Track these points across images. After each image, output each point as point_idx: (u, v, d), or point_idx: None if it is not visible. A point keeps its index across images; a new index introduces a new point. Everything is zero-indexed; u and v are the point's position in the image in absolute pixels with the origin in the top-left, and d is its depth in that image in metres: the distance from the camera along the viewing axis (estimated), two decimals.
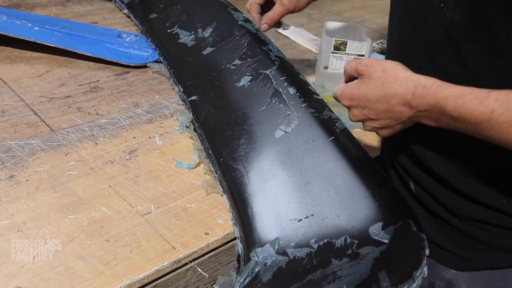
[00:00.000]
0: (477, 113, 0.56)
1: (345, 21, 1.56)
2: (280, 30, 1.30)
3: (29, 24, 1.14)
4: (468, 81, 0.60)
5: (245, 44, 0.99)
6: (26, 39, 1.09)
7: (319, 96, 0.86)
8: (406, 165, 0.78)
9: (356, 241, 0.64)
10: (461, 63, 0.64)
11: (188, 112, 0.94)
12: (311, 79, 1.16)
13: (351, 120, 0.72)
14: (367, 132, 0.75)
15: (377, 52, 1.32)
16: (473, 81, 0.60)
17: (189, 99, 0.94)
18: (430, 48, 0.68)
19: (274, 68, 0.90)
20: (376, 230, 0.65)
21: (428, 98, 0.60)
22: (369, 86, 0.66)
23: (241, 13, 1.12)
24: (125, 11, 1.38)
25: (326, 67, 1.11)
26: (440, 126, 0.62)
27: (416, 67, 0.66)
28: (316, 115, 0.80)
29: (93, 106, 0.97)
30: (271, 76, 0.89)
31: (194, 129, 0.90)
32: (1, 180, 0.76)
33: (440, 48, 0.66)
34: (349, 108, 0.71)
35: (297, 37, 1.38)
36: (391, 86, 0.64)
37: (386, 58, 0.80)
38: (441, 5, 0.64)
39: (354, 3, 1.76)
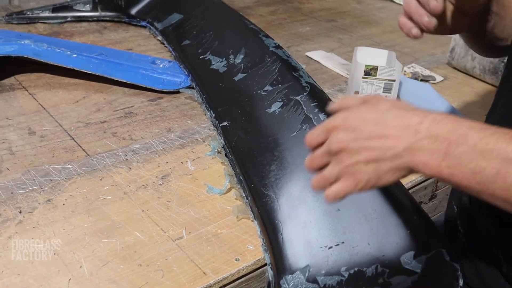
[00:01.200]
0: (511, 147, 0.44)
1: (376, 45, 1.56)
2: None
3: (68, 52, 1.18)
4: None
5: (276, 70, 1.01)
6: (65, 66, 1.13)
7: None
8: (495, 234, 0.67)
9: (387, 270, 0.64)
10: None
11: (220, 137, 0.95)
12: None
13: (330, 146, 0.54)
14: None
15: (409, 77, 1.32)
16: None
17: (220, 125, 0.95)
18: None
19: (304, 94, 0.91)
20: (407, 259, 0.64)
21: (446, 122, 0.48)
22: (372, 108, 0.54)
23: (272, 39, 1.14)
24: (159, 37, 1.42)
25: (356, 92, 1.11)
26: (437, 172, 0.48)
27: None
28: None
29: (128, 131, 1.00)
30: (301, 102, 0.90)
31: (226, 154, 0.92)
32: (39, 204, 0.78)
33: None
34: (334, 130, 0.54)
35: (327, 62, 1.39)
36: (399, 110, 0.52)
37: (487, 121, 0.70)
38: None
39: (385, 27, 1.76)
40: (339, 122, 0.54)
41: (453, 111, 1.17)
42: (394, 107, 0.52)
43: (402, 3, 2.00)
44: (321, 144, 0.55)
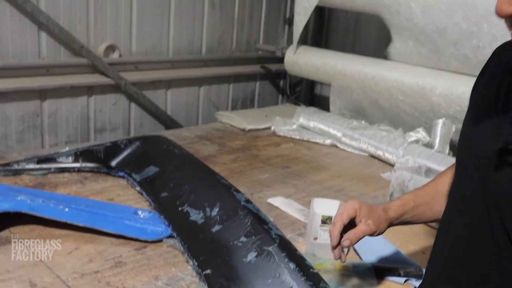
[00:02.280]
0: None
1: (327, 190, 1.79)
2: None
3: (60, 206, 1.33)
4: None
5: (249, 223, 1.19)
6: (59, 220, 1.27)
7: (315, 269, 1.04)
8: None
9: None
10: None
11: (204, 284, 1.10)
12: (303, 248, 1.34)
13: None
14: None
15: None
16: None
17: (203, 273, 1.10)
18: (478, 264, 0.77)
19: (275, 245, 1.09)
20: None
21: None
22: None
23: (242, 194, 1.34)
24: (137, 188, 1.59)
25: (315, 238, 1.29)
26: None
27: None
28: (314, 287, 0.97)
29: (120, 280, 1.13)
30: (273, 253, 1.07)
31: None
32: None
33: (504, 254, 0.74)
34: None
35: (287, 208, 1.59)
36: None
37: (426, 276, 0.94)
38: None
39: (333, 172, 2.01)
40: None
41: (396, 251, 1.37)
42: None
43: (345, 148, 2.27)
44: None
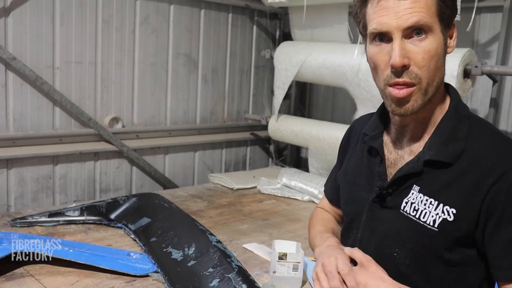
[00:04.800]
0: None
1: (298, 238, 2.06)
2: None
3: (66, 248, 1.62)
4: None
5: (216, 258, 1.48)
6: (64, 259, 1.56)
7: None
8: None
9: None
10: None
11: None
12: (266, 280, 1.61)
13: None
14: None
15: (312, 259, 1.79)
16: None
17: None
18: None
19: (234, 273, 1.37)
20: None
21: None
22: (370, 274, 1.03)
23: (215, 236, 1.63)
24: (132, 236, 1.88)
25: (274, 272, 1.57)
26: None
27: None
28: None
29: None
30: (231, 279, 1.35)
31: None
32: None
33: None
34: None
35: (258, 251, 1.87)
36: (384, 276, 1.01)
37: None
38: (395, 254, 1.02)
39: (306, 223, 2.25)
40: (352, 283, 1.03)
41: None
42: (381, 275, 1.01)
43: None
44: None
